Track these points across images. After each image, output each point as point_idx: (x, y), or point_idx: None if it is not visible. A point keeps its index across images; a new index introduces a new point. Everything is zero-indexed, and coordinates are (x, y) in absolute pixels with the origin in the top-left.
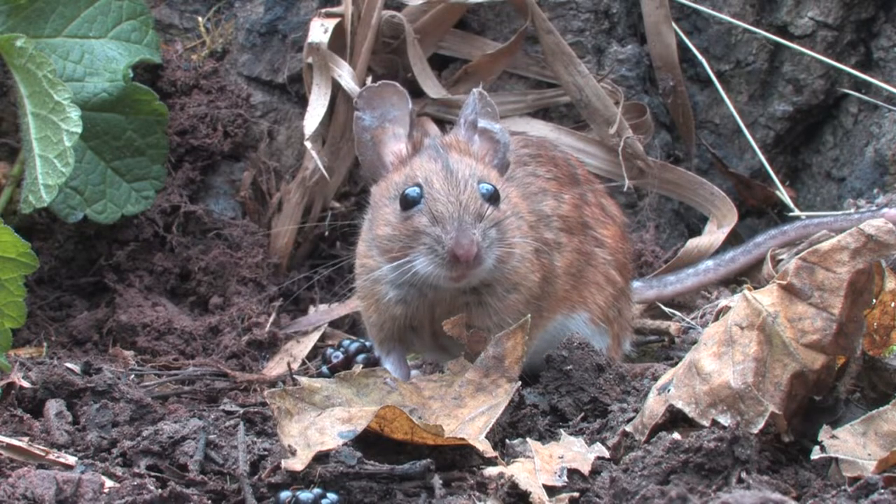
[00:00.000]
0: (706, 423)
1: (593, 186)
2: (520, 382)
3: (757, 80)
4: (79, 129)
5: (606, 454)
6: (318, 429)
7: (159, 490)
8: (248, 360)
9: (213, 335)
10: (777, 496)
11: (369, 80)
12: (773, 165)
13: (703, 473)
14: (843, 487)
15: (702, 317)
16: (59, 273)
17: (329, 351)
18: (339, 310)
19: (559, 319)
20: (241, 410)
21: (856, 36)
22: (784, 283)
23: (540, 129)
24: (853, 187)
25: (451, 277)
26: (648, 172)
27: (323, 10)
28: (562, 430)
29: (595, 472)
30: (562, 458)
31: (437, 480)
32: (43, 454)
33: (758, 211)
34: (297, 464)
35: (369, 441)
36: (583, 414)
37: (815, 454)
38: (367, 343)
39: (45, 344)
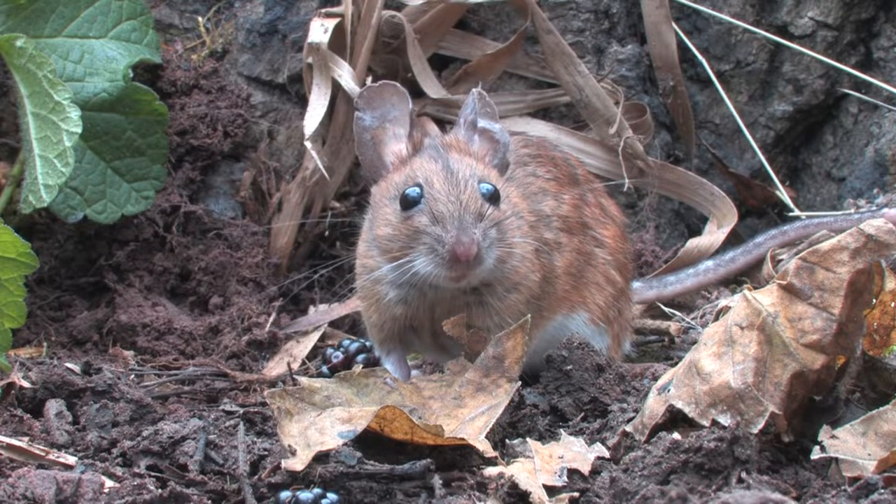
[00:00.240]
0: (706, 423)
1: (593, 186)
2: (520, 382)
3: (757, 80)
4: (79, 129)
5: (606, 454)
6: (318, 429)
7: (159, 490)
8: (248, 360)
9: (213, 335)
10: (777, 496)
11: (369, 80)
12: (773, 165)
13: (703, 473)
14: (843, 487)
15: (702, 317)
16: (59, 273)
17: (329, 351)
18: (339, 310)
19: (559, 319)
20: (241, 410)
21: (856, 36)
22: (784, 283)
23: (540, 129)
24: (853, 187)
25: (452, 277)
26: (648, 172)
27: (323, 10)
28: (562, 430)
29: (595, 472)
30: (562, 458)
31: (437, 480)
32: (43, 454)
33: (758, 211)
34: (297, 464)
35: (369, 441)
36: (583, 414)
37: (815, 454)
38: (367, 343)
39: (45, 344)
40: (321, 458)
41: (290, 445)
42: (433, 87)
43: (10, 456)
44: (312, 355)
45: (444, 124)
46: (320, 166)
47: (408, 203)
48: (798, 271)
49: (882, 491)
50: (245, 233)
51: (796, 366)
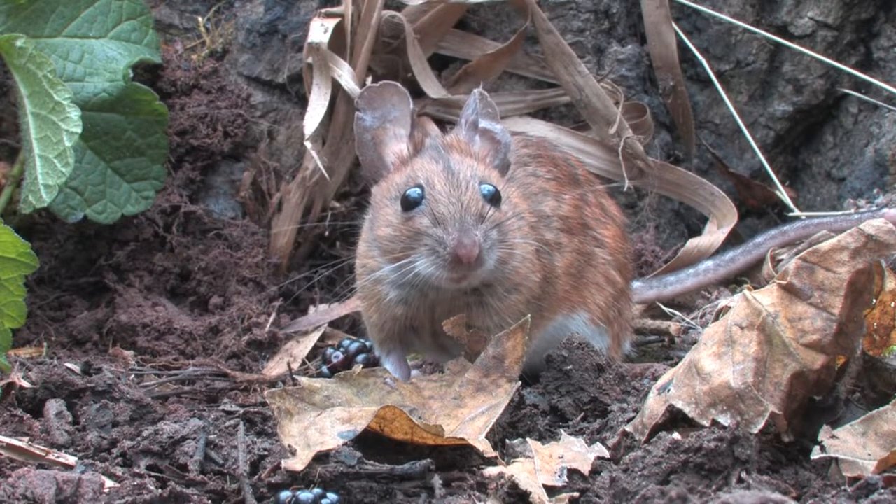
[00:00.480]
0: (706, 423)
1: (593, 187)
2: (520, 382)
3: (757, 80)
4: (79, 129)
5: (606, 454)
6: (318, 429)
7: (159, 490)
8: (248, 360)
9: (213, 335)
10: (777, 496)
11: (369, 80)
12: (773, 165)
13: (703, 473)
14: (843, 487)
15: (702, 317)
16: (59, 273)
17: (329, 351)
18: (339, 310)
19: (559, 320)
20: (241, 410)
21: (856, 36)
22: (784, 283)
23: (540, 129)
24: (853, 187)
25: (453, 278)
26: (648, 172)
27: (323, 10)
28: (562, 430)
29: (595, 472)
30: (562, 458)
31: (437, 480)
32: (43, 454)
33: (758, 211)
34: (297, 464)
35: (369, 441)
36: (583, 414)
37: (815, 454)
38: (367, 343)
39: (45, 344)
40: (321, 458)
41: (290, 445)
42: (433, 87)
43: (10, 456)
44: (312, 355)
45: (444, 124)
46: (320, 166)
47: (409, 204)
48: (798, 271)
49: (882, 491)
50: (245, 233)
51: (796, 366)
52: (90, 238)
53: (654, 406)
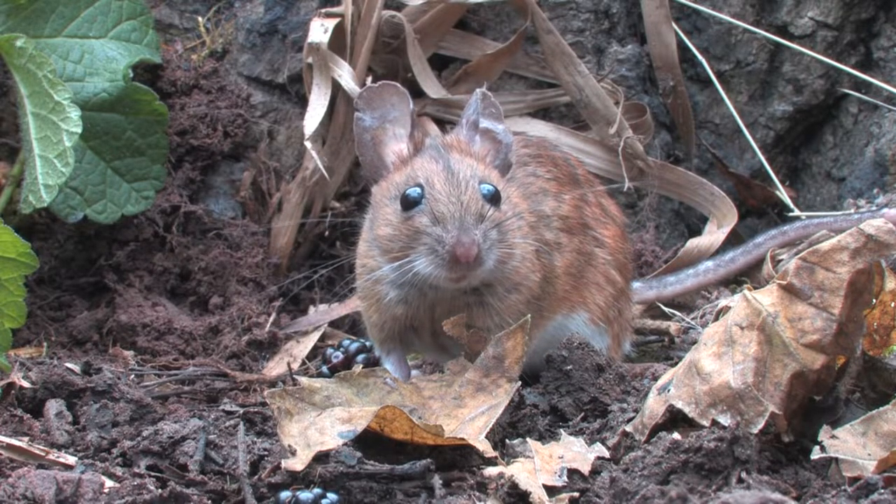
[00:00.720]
0: (706, 423)
1: (593, 187)
2: (520, 382)
3: (757, 80)
4: (79, 129)
5: (606, 454)
6: (318, 429)
7: (159, 490)
8: (248, 360)
9: (213, 335)
10: (777, 496)
11: (369, 80)
12: (773, 165)
13: (703, 473)
14: (843, 487)
15: (702, 317)
16: (59, 273)
17: (329, 351)
18: (339, 310)
19: (559, 319)
20: (241, 410)
21: (856, 36)
22: (784, 283)
23: (540, 129)
24: (853, 187)
25: (452, 278)
26: (648, 172)
27: (323, 10)
28: (562, 430)
29: (595, 472)
30: (562, 458)
31: (437, 480)
32: (43, 454)
33: (758, 211)
34: (297, 464)
35: (369, 441)
36: (583, 414)
37: (815, 454)
38: (367, 343)
39: (45, 344)
40: (321, 458)
41: (290, 445)
42: (433, 87)
43: (10, 456)
44: (312, 355)
45: (444, 124)
46: (320, 166)
47: (408, 203)
48: (798, 271)
49: (882, 491)
50: (245, 233)
51: (796, 366)
52: (90, 238)
53: (654, 406)
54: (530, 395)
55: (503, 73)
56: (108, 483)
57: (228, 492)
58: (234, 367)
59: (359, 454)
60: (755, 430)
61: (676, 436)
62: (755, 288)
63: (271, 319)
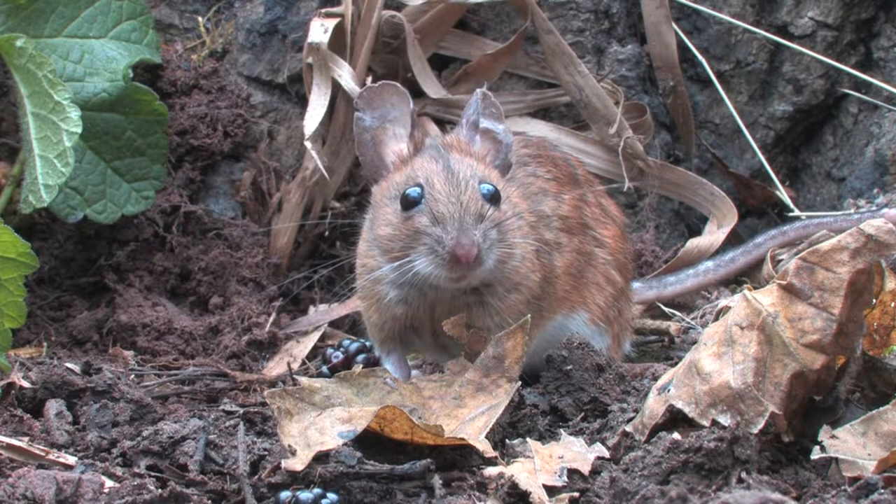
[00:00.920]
0: (706, 423)
1: (593, 187)
2: (520, 382)
3: (757, 80)
4: (79, 129)
5: (606, 454)
6: (318, 429)
7: (159, 490)
8: (248, 360)
9: (213, 335)
10: (777, 496)
11: (369, 80)
12: (773, 165)
13: (703, 473)
14: (843, 487)
15: (702, 317)
16: (59, 273)
17: (329, 351)
18: (339, 310)
19: (559, 319)
20: (241, 410)
21: (856, 36)
22: (784, 283)
23: (540, 129)
24: (853, 187)
25: (451, 278)
26: (648, 172)
27: (323, 10)
28: (562, 430)
29: (595, 472)
30: (562, 458)
31: (437, 480)
32: (43, 454)
33: (758, 211)
34: (297, 464)
35: (369, 441)
36: (583, 414)
37: (815, 454)
38: (367, 343)
39: (45, 344)
40: (321, 458)
41: (290, 445)
42: (433, 87)
43: (10, 456)
44: (312, 355)
45: (444, 124)
46: (320, 166)
47: (408, 203)
48: (798, 271)
49: (882, 491)
50: (245, 233)
51: (796, 366)
52: (90, 238)
53: (654, 406)
54: (530, 395)
55: (503, 73)
56: (108, 483)
57: (228, 492)
58: (234, 367)
59: (359, 454)
60: (755, 430)
61: (676, 436)
62: (755, 288)
63: (271, 319)
